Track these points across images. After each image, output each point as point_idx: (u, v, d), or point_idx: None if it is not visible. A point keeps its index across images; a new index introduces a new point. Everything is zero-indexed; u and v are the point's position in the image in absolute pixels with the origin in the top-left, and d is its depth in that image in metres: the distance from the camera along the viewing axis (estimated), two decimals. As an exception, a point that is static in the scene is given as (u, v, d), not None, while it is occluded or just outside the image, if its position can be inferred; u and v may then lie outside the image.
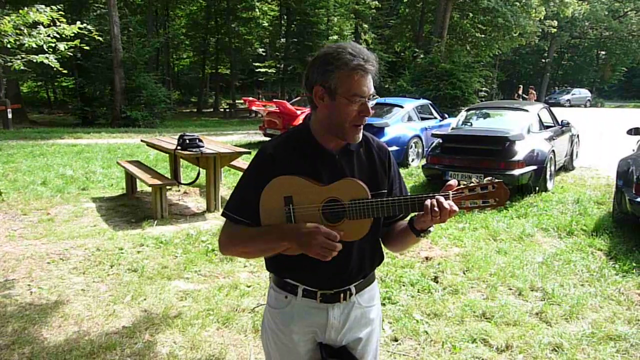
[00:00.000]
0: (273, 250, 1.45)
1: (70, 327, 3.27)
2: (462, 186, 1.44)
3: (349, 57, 1.38)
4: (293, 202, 1.42)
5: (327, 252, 1.36)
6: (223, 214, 1.53)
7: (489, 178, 1.46)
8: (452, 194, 1.42)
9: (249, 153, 6.54)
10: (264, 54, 32.81)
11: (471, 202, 1.44)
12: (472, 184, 1.45)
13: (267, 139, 12.59)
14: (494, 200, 1.44)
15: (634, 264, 4.39)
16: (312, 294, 1.53)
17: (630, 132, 7.01)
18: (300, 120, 11.87)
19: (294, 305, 1.55)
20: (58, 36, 8.09)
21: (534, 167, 6.79)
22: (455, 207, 1.40)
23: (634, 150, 6.61)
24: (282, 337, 1.57)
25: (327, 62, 1.40)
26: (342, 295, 1.54)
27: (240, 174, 7.85)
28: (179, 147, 6.24)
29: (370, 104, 1.43)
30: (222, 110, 29.76)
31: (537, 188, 6.99)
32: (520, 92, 26.63)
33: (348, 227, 1.41)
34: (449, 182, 1.45)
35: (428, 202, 1.40)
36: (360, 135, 1.47)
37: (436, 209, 1.38)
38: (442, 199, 1.40)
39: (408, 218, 1.59)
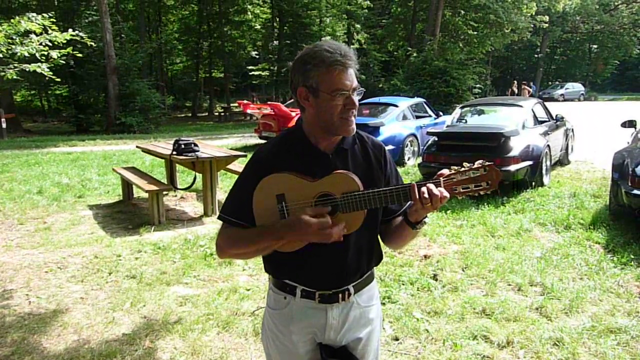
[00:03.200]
0: (270, 248, 1.45)
1: (69, 336, 3.26)
2: (453, 172, 1.43)
3: (325, 54, 1.39)
4: (285, 200, 1.42)
5: (326, 235, 1.35)
6: (219, 217, 1.54)
7: (480, 161, 1.43)
8: (444, 180, 1.41)
9: (245, 156, 6.52)
10: (257, 56, 32.81)
11: (463, 187, 1.42)
12: (463, 169, 1.43)
13: (263, 141, 12.62)
14: (486, 183, 1.42)
15: (632, 256, 4.41)
16: (311, 294, 1.53)
17: (624, 124, 7.05)
18: (294, 122, 12.02)
19: (292, 306, 1.55)
20: (50, 44, 8.06)
21: (530, 162, 6.81)
22: (446, 193, 1.39)
23: (628, 143, 6.63)
24: (282, 338, 1.57)
25: (305, 62, 1.42)
26: (340, 295, 1.54)
27: (237, 177, 7.84)
28: (174, 152, 6.23)
29: (356, 97, 1.43)
30: (216, 114, 29.75)
31: (533, 183, 7.01)
32: (514, 88, 26.75)
33: (342, 220, 1.41)
34: (441, 171, 1.43)
35: (417, 189, 1.39)
36: (354, 126, 1.47)
37: (426, 196, 1.37)
38: (431, 186, 1.39)
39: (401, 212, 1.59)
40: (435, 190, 1.38)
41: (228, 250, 1.52)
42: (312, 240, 1.38)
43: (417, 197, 1.39)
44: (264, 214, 1.44)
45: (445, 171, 1.43)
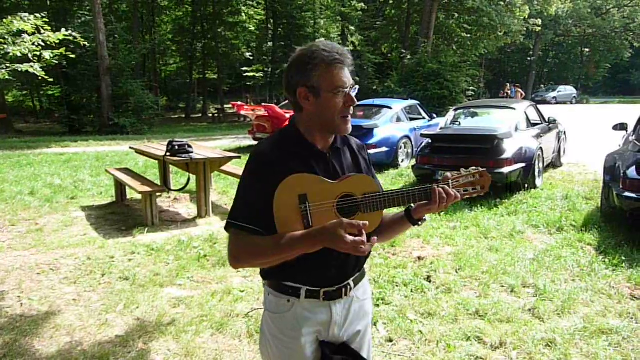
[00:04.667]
0: (299, 254, 1.40)
1: (62, 338, 3.24)
2: (456, 176, 1.59)
3: (324, 53, 1.43)
4: (308, 200, 1.43)
5: (359, 252, 1.33)
6: (231, 225, 1.46)
7: (473, 168, 1.61)
8: (452, 183, 1.56)
9: (239, 158, 6.51)
10: (251, 58, 32.76)
11: (464, 189, 1.60)
12: (463, 173, 1.60)
13: (256, 142, 12.61)
14: (480, 187, 1.61)
15: (623, 258, 4.44)
16: (316, 293, 1.52)
17: (616, 127, 7.11)
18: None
19: (297, 308, 1.52)
20: (43, 44, 8.01)
21: (523, 165, 6.85)
22: (459, 195, 1.54)
23: (620, 146, 6.69)
24: (287, 341, 1.54)
25: (304, 62, 1.45)
26: (343, 290, 1.56)
27: (231, 178, 7.84)
28: (168, 154, 6.21)
29: (353, 93, 1.49)
30: (210, 115, 29.71)
31: (526, 185, 7.06)
32: (507, 90, 26.92)
33: (362, 220, 1.41)
34: (446, 174, 1.57)
35: (437, 190, 1.51)
36: (350, 126, 1.52)
37: (444, 195, 1.51)
38: (447, 187, 1.53)
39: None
40: (451, 191, 1.53)
41: (250, 261, 1.49)
42: (344, 251, 1.34)
43: (436, 197, 1.51)
44: (285, 214, 1.42)
45: (449, 174, 1.58)
